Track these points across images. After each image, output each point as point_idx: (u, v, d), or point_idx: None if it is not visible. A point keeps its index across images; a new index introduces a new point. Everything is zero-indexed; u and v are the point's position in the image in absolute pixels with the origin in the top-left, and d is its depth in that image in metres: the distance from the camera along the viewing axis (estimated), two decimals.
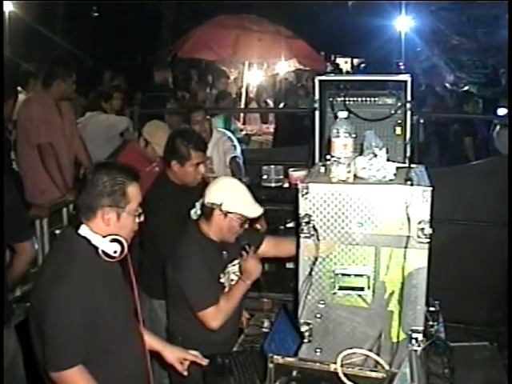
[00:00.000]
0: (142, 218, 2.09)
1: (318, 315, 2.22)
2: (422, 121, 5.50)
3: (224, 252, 2.74)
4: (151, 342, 2.32)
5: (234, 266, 2.81)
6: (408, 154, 2.83)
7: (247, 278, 2.63)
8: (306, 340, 2.23)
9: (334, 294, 2.19)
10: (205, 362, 2.37)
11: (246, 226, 2.73)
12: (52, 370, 1.93)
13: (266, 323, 2.98)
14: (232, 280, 2.79)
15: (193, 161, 3.11)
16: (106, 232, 2.00)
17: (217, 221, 2.62)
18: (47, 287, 1.94)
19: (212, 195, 2.63)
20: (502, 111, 6.91)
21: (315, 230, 2.16)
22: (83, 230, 2.00)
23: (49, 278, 1.96)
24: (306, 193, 2.16)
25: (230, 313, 2.63)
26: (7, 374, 2.76)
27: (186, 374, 2.35)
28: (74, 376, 1.92)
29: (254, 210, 2.66)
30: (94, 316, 1.94)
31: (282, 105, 8.13)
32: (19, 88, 5.63)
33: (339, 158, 2.16)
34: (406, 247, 2.10)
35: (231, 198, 2.61)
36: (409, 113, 2.86)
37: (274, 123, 7.67)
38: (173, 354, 2.36)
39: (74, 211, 2.06)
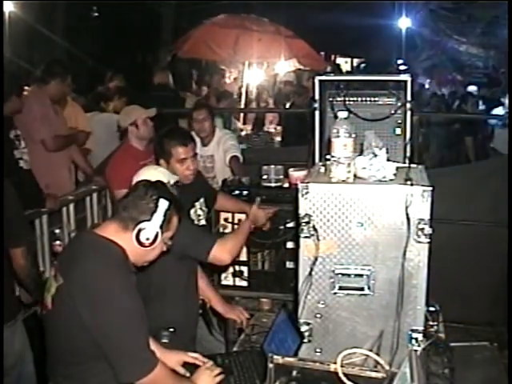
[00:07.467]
0: (166, 249, 2.11)
1: (318, 315, 2.22)
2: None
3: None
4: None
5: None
6: (408, 154, 2.83)
7: (252, 222, 3.00)
8: (306, 340, 2.23)
9: (334, 294, 2.19)
10: (206, 362, 2.29)
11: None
12: (137, 378, 1.90)
13: (266, 323, 2.98)
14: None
15: (177, 156, 2.99)
16: (134, 248, 2.00)
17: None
18: (96, 294, 1.88)
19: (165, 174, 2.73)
20: (501, 111, 6.92)
21: (315, 229, 2.16)
22: (111, 234, 2.00)
23: (94, 281, 1.90)
24: (306, 193, 2.16)
25: (239, 245, 2.82)
26: (13, 370, 2.72)
27: (188, 375, 2.32)
28: (159, 373, 1.93)
29: None
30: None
31: (288, 105, 8.06)
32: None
33: (339, 158, 2.16)
34: (405, 247, 2.10)
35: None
36: (409, 113, 2.86)
37: (277, 123, 7.64)
38: (172, 358, 2.27)
39: (120, 212, 2.03)
